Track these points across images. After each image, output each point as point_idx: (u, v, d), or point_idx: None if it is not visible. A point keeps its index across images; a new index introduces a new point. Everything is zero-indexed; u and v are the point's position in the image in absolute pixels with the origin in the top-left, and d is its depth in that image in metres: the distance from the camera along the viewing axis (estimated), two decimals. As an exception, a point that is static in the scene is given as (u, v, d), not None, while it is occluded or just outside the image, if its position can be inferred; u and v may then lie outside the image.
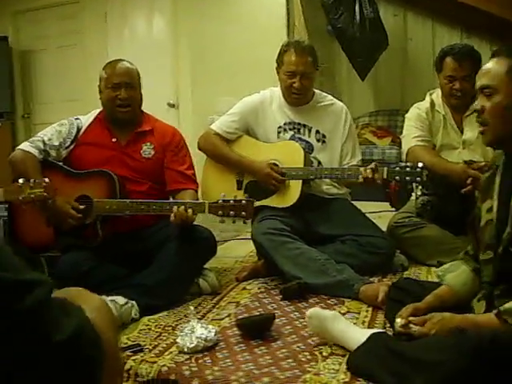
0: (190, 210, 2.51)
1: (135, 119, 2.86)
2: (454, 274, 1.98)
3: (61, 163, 2.79)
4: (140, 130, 2.85)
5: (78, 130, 2.82)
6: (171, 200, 2.73)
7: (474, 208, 1.99)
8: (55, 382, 0.79)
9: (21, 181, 2.44)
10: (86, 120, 2.87)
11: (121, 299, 2.37)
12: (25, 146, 2.74)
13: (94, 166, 2.72)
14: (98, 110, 2.89)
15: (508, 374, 1.46)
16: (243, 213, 2.50)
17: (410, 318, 1.86)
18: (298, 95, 3.08)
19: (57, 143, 2.76)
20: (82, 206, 2.56)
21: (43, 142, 2.74)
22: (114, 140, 2.81)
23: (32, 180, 2.43)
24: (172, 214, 2.51)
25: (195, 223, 2.71)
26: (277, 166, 3.02)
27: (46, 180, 2.46)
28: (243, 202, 2.51)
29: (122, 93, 2.74)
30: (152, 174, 2.82)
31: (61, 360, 0.78)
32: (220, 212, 2.52)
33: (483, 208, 1.87)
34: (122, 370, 1.14)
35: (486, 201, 1.87)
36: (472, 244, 2.01)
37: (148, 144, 2.84)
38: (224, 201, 2.52)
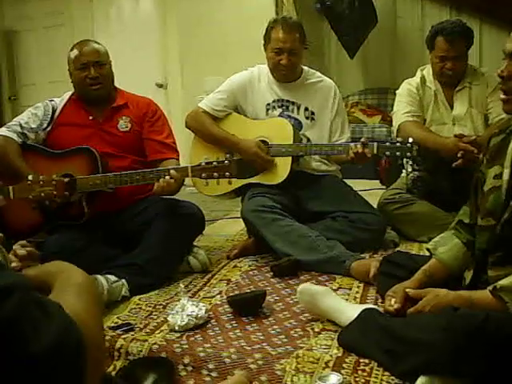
0: (172, 171, 2.48)
1: (109, 95, 2.84)
2: (446, 248, 1.95)
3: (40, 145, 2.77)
4: (115, 105, 2.83)
5: (54, 110, 2.80)
6: (153, 168, 2.71)
7: (475, 173, 1.93)
8: None
9: (30, 177, 2.45)
10: (59, 101, 2.85)
11: (111, 277, 2.38)
12: (1, 131, 2.72)
13: (74, 145, 2.69)
14: (70, 92, 2.88)
15: (500, 354, 1.45)
16: (227, 173, 2.48)
17: (407, 290, 1.86)
18: (285, 72, 3.06)
19: (34, 126, 2.74)
20: (66, 179, 2.54)
21: (20, 125, 2.72)
22: (90, 118, 2.79)
23: (41, 177, 2.44)
24: (155, 185, 2.50)
25: (182, 199, 2.68)
26: (266, 143, 3.00)
27: (55, 177, 2.47)
28: (226, 162, 2.48)
29: (91, 71, 2.73)
30: (132, 147, 2.81)
31: (40, 370, 0.75)
32: (203, 174, 2.49)
33: (489, 173, 1.80)
34: (104, 359, 1.12)
35: (493, 166, 1.79)
36: (470, 211, 1.95)
37: (124, 118, 2.82)
38: (206, 163, 2.50)
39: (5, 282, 0.76)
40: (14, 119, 2.80)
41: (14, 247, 1.64)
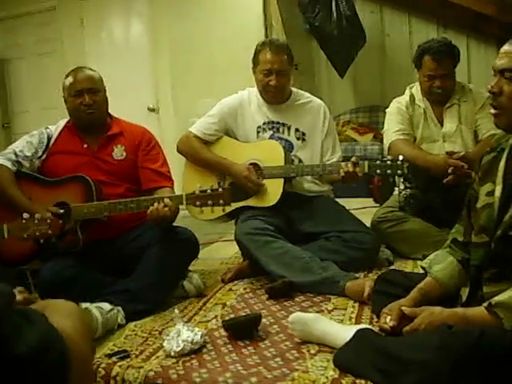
0: (167, 200, 2.50)
1: (103, 123, 2.85)
2: (441, 266, 1.96)
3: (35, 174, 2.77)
4: (110, 134, 2.84)
5: (49, 139, 2.81)
6: (148, 197, 2.71)
7: (468, 191, 1.96)
8: None
9: (25, 216, 2.44)
10: (55, 129, 2.86)
11: (106, 305, 2.36)
12: None
13: (68, 173, 2.70)
14: (66, 120, 2.89)
15: (496, 370, 1.46)
16: (221, 201, 2.49)
17: (403, 308, 1.86)
18: (274, 93, 3.08)
19: (29, 154, 2.74)
20: (61, 210, 2.54)
21: (15, 153, 2.72)
22: (85, 146, 2.80)
23: (37, 215, 2.43)
24: (149, 210, 2.51)
25: (176, 223, 2.69)
26: (257, 165, 3.01)
27: (50, 216, 2.46)
28: (220, 189, 2.50)
29: (86, 98, 2.74)
30: (127, 175, 2.81)
31: (23, 372, 0.76)
32: (198, 202, 2.51)
33: (482, 190, 1.82)
34: (93, 379, 1.12)
35: (485, 184, 1.82)
36: (464, 228, 1.96)
37: (119, 146, 2.83)
38: (201, 191, 2.51)
39: None
40: (9, 147, 2.80)
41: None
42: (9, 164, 2.68)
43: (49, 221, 2.44)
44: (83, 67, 2.90)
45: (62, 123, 2.88)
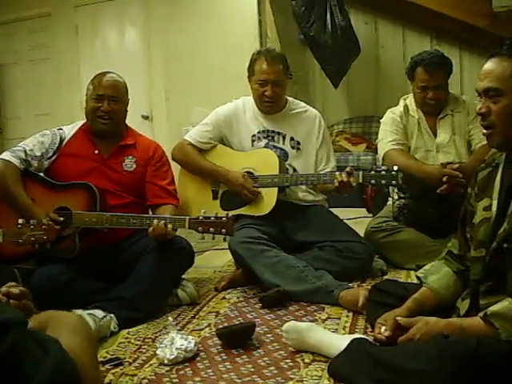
0: (169, 226, 2.50)
1: (118, 132, 2.85)
2: (437, 277, 1.97)
3: (42, 174, 2.75)
4: (123, 144, 2.84)
5: (61, 140, 2.79)
6: (151, 214, 2.71)
7: (463, 206, 1.98)
8: None
9: (20, 221, 2.43)
10: (69, 131, 2.84)
11: (99, 312, 2.34)
12: (5, 155, 2.68)
13: (75, 177, 2.69)
14: (82, 122, 2.88)
15: (492, 380, 1.46)
16: (223, 230, 2.49)
17: (398, 318, 1.86)
18: (270, 103, 3.09)
19: (39, 153, 2.72)
20: (61, 218, 2.53)
21: (25, 151, 2.69)
22: (96, 152, 2.79)
23: (32, 221, 2.42)
24: (150, 228, 2.50)
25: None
26: (252, 174, 3.01)
27: (45, 222, 2.45)
28: (224, 219, 2.50)
29: (104, 105, 2.74)
30: (133, 187, 2.81)
31: None
32: (200, 228, 2.51)
33: (479, 206, 1.84)
34: None
35: (482, 199, 1.84)
36: (459, 243, 1.98)
37: (130, 157, 2.83)
38: (204, 217, 2.51)
39: (3, 318, 0.77)
40: (19, 144, 2.76)
41: (2, 289, 1.64)
42: (17, 162, 2.66)
43: (44, 226, 2.43)
44: (111, 72, 2.89)
45: (78, 125, 2.87)
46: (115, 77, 2.85)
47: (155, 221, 2.51)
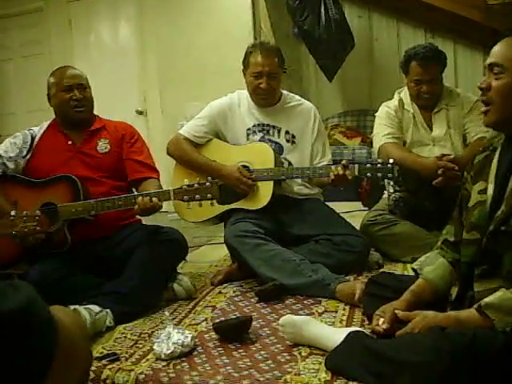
0: (154, 199, 2.50)
1: (88, 120, 2.86)
2: (432, 268, 1.96)
3: (20, 175, 2.75)
4: (93, 129, 2.85)
5: (33, 138, 2.80)
6: (135, 193, 2.70)
7: (460, 191, 1.98)
8: None
9: (13, 213, 2.42)
10: (38, 129, 2.86)
11: (95, 307, 2.34)
12: None
13: (54, 170, 2.69)
14: (50, 120, 2.90)
15: (489, 371, 1.46)
16: (209, 195, 2.48)
17: (396, 311, 1.86)
18: (265, 96, 3.08)
19: (13, 154, 2.74)
20: (41, 214, 2.51)
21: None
22: (69, 143, 2.80)
23: (24, 213, 2.42)
24: (136, 206, 2.50)
25: (165, 225, 2.68)
26: (247, 168, 3.01)
27: (38, 213, 2.45)
28: (207, 183, 2.49)
29: (76, 93, 2.76)
30: (112, 169, 2.81)
31: (6, 331, 0.74)
32: (186, 197, 2.50)
33: (474, 189, 1.85)
34: (88, 368, 1.10)
35: (478, 182, 1.85)
36: (455, 228, 1.98)
37: (103, 140, 2.84)
38: (188, 185, 2.50)
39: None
40: None
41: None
42: None
43: (37, 217, 2.43)
44: (68, 65, 2.94)
45: (46, 124, 2.89)
46: (73, 68, 2.91)
47: (139, 198, 2.51)
